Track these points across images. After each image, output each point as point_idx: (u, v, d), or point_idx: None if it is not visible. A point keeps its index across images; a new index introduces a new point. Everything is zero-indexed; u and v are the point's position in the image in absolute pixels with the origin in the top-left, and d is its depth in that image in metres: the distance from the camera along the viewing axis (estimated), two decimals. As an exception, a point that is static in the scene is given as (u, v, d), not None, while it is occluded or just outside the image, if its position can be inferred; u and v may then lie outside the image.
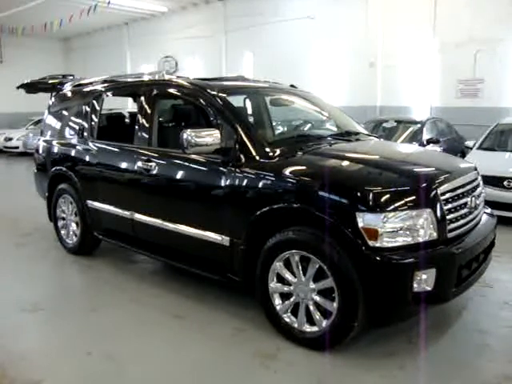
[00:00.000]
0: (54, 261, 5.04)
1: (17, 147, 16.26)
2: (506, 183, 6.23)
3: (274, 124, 5.09)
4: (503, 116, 9.08)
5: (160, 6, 16.62)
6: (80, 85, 5.30)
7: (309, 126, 5.24)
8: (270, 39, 14.43)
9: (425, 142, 8.22)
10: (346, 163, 3.25)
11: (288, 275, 3.10)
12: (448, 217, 2.94)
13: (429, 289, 2.76)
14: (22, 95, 6.50)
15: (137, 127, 4.22)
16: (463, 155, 8.00)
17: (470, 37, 10.57)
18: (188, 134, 3.25)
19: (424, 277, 2.74)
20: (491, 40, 10.34)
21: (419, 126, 8.76)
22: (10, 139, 16.44)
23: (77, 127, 5.01)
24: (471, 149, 7.70)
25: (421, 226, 2.78)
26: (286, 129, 6.26)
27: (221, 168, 3.42)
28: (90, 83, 5.15)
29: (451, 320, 3.54)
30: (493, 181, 6.18)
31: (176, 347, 3.19)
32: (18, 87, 5.99)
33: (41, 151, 5.56)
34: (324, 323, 2.97)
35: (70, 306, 3.91)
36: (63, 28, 15.87)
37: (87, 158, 4.70)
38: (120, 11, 16.73)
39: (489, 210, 3.80)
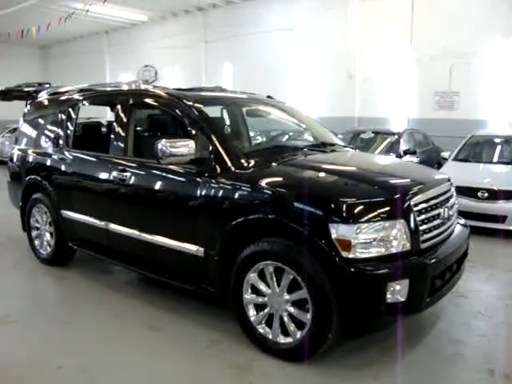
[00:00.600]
0: (27, 271, 4.94)
1: (-8, 155, 15.95)
2: (479, 194, 6.34)
3: (250, 135, 5.10)
4: (478, 128, 9.29)
5: (140, 15, 16.61)
6: (56, 93, 5.25)
7: (285, 136, 5.27)
8: (249, 50, 14.52)
9: (402, 153, 8.33)
10: (320, 174, 3.26)
11: (262, 286, 3.09)
12: (421, 228, 2.96)
13: (402, 299, 2.78)
14: (-4, 102, 6.40)
15: (112, 136, 4.19)
16: (439, 166, 8.12)
17: (445, 50, 10.80)
18: (163, 145, 3.24)
19: (397, 287, 2.76)
20: (466, 53, 10.58)
21: (396, 137, 8.87)
22: (-15, 147, 16.12)
23: (52, 136, 4.95)
24: (447, 160, 7.83)
25: (394, 237, 2.81)
26: (262, 139, 6.27)
27: (196, 178, 3.40)
28: (67, 92, 5.10)
29: (425, 330, 3.57)
30: (467, 191, 6.29)
31: (150, 359, 3.15)
32: (-9, 94, 5.90)
33: (15, 160, 5.47)
34: (298, 334, 2.96)
35: (42, 317, 3.83)
36: (42, 35, 15.71)
37: (62, 168, 4.64)
38: (100, 19, 16.68)
39: (462, 221, 3.85)
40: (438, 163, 8.94)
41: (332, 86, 12.91)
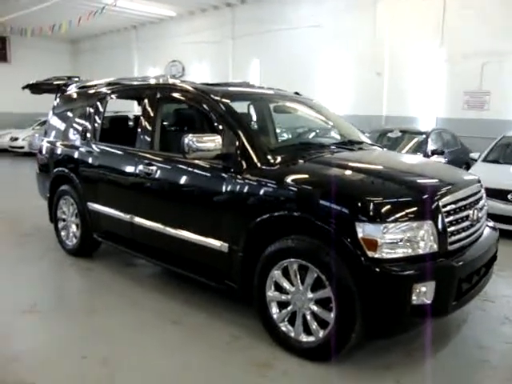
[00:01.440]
0: (53, 262, 5.03)
1: (22, 147, 16.33)
2: (509, 196, 6.18)
3: (277, 131, 5.07)
4: (509, 129, 9.05)
5: (168, 10, 16.69)
6: (85, 86, 5.31)
7: (312, 133, 5.21)
8: (277, 46, 14.46)
9: (429, 153, 8.20)
10: (347, 172, 3.22)
11: (286, 284, 3.07)
12: (449, 229, 2.90)
13: (428, 302, 2.72)
14: (29, 96, 6.51)
15: (139, 130, 4.21)
16: (468, 167, 7.96)
17: (477, 48, 10.53)
18: (189, 139, 3.24)
19: (423, 289, 2.71)
20: (498, 52, 10.30)
21: (424, 136, 8.73)
22: (16, 139, 16.52)
23: (80, 129, 5.01)
24: (476, 161, 7.66)
25: (421, 238, 2.75)
26: (289, 136, 6.24)
27: (222, 174, 3.40)
28: (95, 85, 5.15)
29: (450, 334, 3.50)
30: (497, 194, 6.13)
31: (171, 353, 3.16)
32: (23, 88, 6.01)
33: (44, 152, 5.56)
34: (321, 333, 2.93)
35: (67, 308, 3.89)
36: (71, 30, 15.94)
37: (89, 160, 4.69)
38: (128, 15, 16.82)
39: (491, 223, 3.75)
40: (466, 164, 8.77)
41: (360, 83, 12.77)
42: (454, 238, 2.93)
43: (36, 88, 5.93)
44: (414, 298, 2.69)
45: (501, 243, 3.65)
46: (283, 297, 3.10)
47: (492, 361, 3.14)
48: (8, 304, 3.92)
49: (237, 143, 3.38)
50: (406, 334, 3.27)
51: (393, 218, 2.72)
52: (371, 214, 2.70)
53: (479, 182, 3.59)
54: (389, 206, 2.75)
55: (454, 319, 3.61)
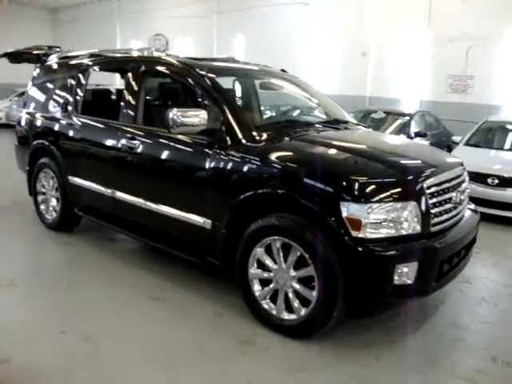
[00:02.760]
0: (32, 236, 4.95)
1: (-1, 118, 15.93)
2: (490, 180, 6.27)
3: (262, 108, 5.02)
4: (491, 113, 9.14)
5: (153, -19, 16.30)
6: (66, 57, 5.17)
7: (297, 111, 5.17)
8: (262, 23, 14.26)
9: (412, 135, 8.23)
10: (332, 151, 3.21)
11: (268, 261, 3.07)
12: (432, 211, 2.92)
13: (409, 282, 2.75)
14: (6, 65, 6.31)
15: (122, 104, 4.12)
16: (450, 150, 8.03)
17: (462, 32, 10.54)
18: (174, 114, 3.18)
19: (405, 270, 2.73)
20: (484, 37, 10.33)
21: (408, 118, 8.76)
22: (-7, 110, 16.08)
23: (61, 101, 4.89)
24: (458, 144, 7.74)
25: (405, 219, 2.76)
26: (274, 113, 6.18)
27: (206, 150, 3.35)
28: (77, 56, 5.01)
29: (429, 314, 3.56)
30: (477, 177, 6.21)
31: (153, 329, 3.15)
32: (0, 56, 5.81)
33: (23, 124, 5.41)
34: (303, 311, 2.95)
35: (46, 282, 3.84)
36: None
37: (70, 133, 4.59)
38: (111, -16, 16.39)
39: (472, 206, 3.80)
40: (448, 147, 8.85)
41: (345, 63, 12.71)
42: (436, 220, 2.96)
43: (15, 57, 5.73)
44: (395, 278, 2.72)
45: (480, 226, 3.70)
46: (265, 274, 3.11)
47: (467, 339, 3.21)
48: (-15, 277, 3.85)
49: (222, 119, 3.33)
50: (385, 313, 3.32)
51: (377, 198, 2.72)
52: (356, 193, 2.70)
53: (462, 164, 3.62)
54: (374, 186, 2.75)
55: (432, 299, 3.67)
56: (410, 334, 3.22)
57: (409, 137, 8.10)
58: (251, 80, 4.66)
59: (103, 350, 2.87)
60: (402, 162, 3.25)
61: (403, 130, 8.47)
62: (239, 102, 4.37)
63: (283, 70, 4.81)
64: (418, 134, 8.27)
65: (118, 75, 6.13)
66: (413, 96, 11.75)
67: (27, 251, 4.63)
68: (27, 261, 4.37)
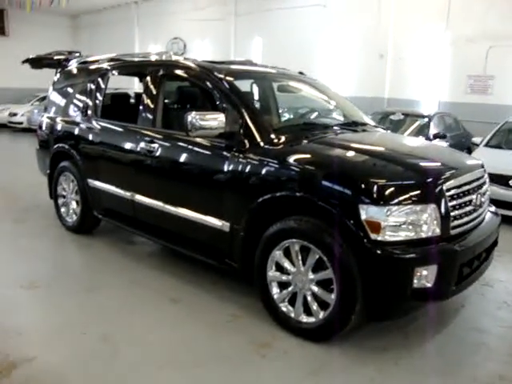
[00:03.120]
0: (52, 238, 5.02)
1: (21, 123, 16.22)
2: (511, 182, 6.17)
3: (280, 111, 5.02)
4: (512, 114, 8.99)
5: (170, -14, 16.42)
6: (86, 62, 5.24)
7: (315, 114, 5.16)
8: (280, 25, 14.27)
9: (431, 137, 8.15)
10: (351, 153, 3.19)
11: (287, 264, 3.07)
12: (452, 213, 2.89)
13: (429, 285, 2.73)
14: (27, 70, 6.43)
15: (141, 107, 4.16)
16: (469, 152, 7.93)
17: (483, 32, 10.40)
18: (192, 117, 3.20)
19: (425, 273, 2.71)
20: (504, 36, 10.17)
21: (426, 120, 8.67)
22: (15, 114, 16.40)
23: (81, 105, 4.96)
24: (478, 146, 7.63)
25: (424, 222, 2.74)
26: (292, 116, 6.18)
27: (224, 153, 3.37)
28: (97, 61, 5.09)
29: (449, 317, 3.51)
30: (498, 179, 6.11)
31: (171, 331, 3.17)
32: (23, 62, 5.92)
33: (44, 128, 5.50)
34: (321, 314, 2.94)
35: (67, 284, 3.89)
36: (71, 4, 15.72)
37: (90, 137, 4.65)
38: (130, -11, 16.56)
39: (493, 209, 3.75)
40: (468, 148, 8.73)
41: (362, 65, 12.64)
42: (456, 223, 2.93)
43: (36, 62, 5.84)
44: (415, 281, 2.69)
45: (501, 229, 3.64)
46: (284, 277, 3.11)
47: (489, 344, 3.16)
48: (8, 279, 3.92)
49: (240, 122, 3.34)
50: (405, 316, 3.29)
51: (396, 200, 2.70)
52: (375, 196, 2.69)
53: (483, 166, 3.57)
54: (393, 189, 2.74)
55: (452, 303, 3.63)
56: (430, 338, 3.19)
57: (428, 138, 8.02)
58: (269, 83, 4.67)
59: (122, 351, 2.90)
60: (421, 164, 3.22)
61: (422, 131, 8.38)
62: (257, 105, 4.38)
63: (301, 73, 4.81)
64: (437, 136, 8.18)
65: (136, 79, 6.17)
66: (431, 97, 11.63)
67: (48, 253, 4.70)
68: (48, 263, 4.43)
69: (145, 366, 2.77)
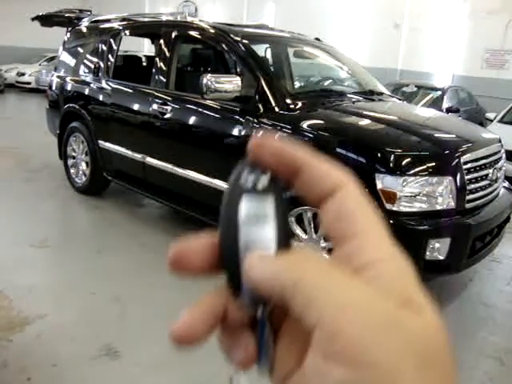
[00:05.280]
0: (62, 199, 5.03)
1: (29, 83, 16.05)
2: (524, 159, 6.08)
3: (295, 76, 4.93)
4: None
5: None
6: (98, 21, 5.13)
7: (332, 81, 5.05)
8: (294, -10, 13.95)
9: (444, 110, 8.04)
10: (367, 122, 3.14)
11: (299, 231, 3.06)
12: (468, 187, 2.86)
13: (441, 258, 2.72)
14: (35, 29, 6.32)
15: (154, 69, 4.09)
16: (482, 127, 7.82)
17: (503, 4, 10.13)
18: (208, 79, 3.15)
19: (437, 245, 2.69)
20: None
21: (440, 93, 8.55)
22: (23, 74, 16.22)
23: (92, 65, 4.88)
24: (492, 121, 7.52)
25: (440, 194, 2.71)
26: (307, 82, 6.08)
27: (238, 117, 3.32)
28: (108, 20, 4.98)
29: (457, 291, 3.52)
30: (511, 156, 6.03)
31: (181, 294, 3.17)
32: (32, 19, 5.82)
33: (54, 87, 5.44)
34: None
35: (76, 245, 3.91)
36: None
37: (101, 98, 4.59)
38: (141, -51, 16.14)
39: (507, 184, 3.71)
40: (480, 124, 8.60)
41: (377, 34, 12.40)
42: (471, 197, 2.90)
43: (46, 20, 5.73)
44: (427, 253, 2.68)
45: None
46: (296, 244, 3.09)
47: (496, 318, 3.17)
48: (19, 238, 3.93)
49: (256, 86, 3.28)
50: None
51: (413, 171, 2.67)
52: (391, 165, 2.65)
53: (500, 141, 3.51)
54: (410, 159, 2.70)
55: (460, 277, 3.62)
56: (439, 311, 3.19)
57: (441, 112, 7.91)
58: (285, 48, 4.57)
59: (131, 311, 2.93)
60: (439, 135, 3.17)
61: (435, 104, 8.27)
62: (273, 70, 4.30)
63: (317, 39, 4.70)
64: (450, 110, 8.07)
65: (146, 42, 6.08)
66: (445, 70, 11.44)
67: (57, 214, 4.71)
68: (57, 223, 4.45)
69: (154, 324, 2.78)
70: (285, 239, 0.30)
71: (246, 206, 0.30)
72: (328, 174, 0.30)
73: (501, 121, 7.38)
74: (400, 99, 4.41)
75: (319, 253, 2.98)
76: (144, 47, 10.51)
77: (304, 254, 0.28)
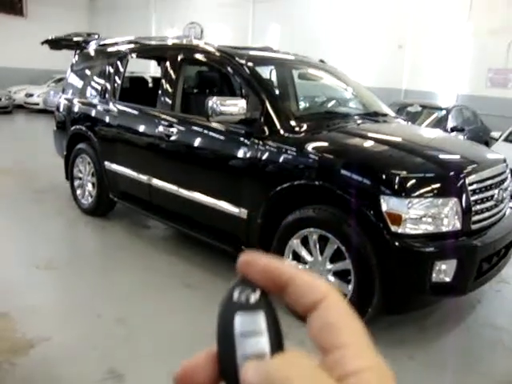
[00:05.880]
0: (68, 220, 5.05)
1: (37, 104, 16.25)
2: (530, 178, 6.06)
3: (300, 98, 4.98)
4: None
5: (189, -30, 16.28)
6: (105, 44, 5.22)
7: (336, 103, 5.10)
8: (298, 12, 14.12)
9: (449, 130, 8.05)
10: (372, 144, 3.16)
11: (304, 253, 3.05)
12: (473, 208, 2.85)
13: (448, 280, 2.70)
14: (44, 52, 6.43)
15: (160, 91, 4.14)
16: (487, 146, 7.82)
17: (505, 24, 10.21)
18: (213, 102, 3.18)
19: (444, 267, 2.68)
20: (527, 29, 10.00)
21: (444, 112, 8.57)
22: (31, 95, 16.43)
23: (99, 87, 4.94)
24: (497, 140, 7.52)
25: (445, 215, 2.70)
26: (312, 104, 6.13)
27: (243, 139, 3.34)
28: (116, 43, 5.06)
29: (465, 312, 3.48)
30: (517, 175, 6.01)
31: (186, 316, 3.18)
32: (42, 43, 5.92)
33: (61, 109, 5.51)
34: (337, 305, 2.92)
35: (82, 266, 3.91)
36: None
37: (108, 119, 4.64)
38: (148, -27, 16.44)
39: (513, 204, 3.69)
40: (485, 143, 8.61)
41: (381, 55, 12.50)
42: (477, 218, 2.88)
43: (55, 43, 5.83)
44: (434, 275, 2.66)
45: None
46: (301, 266, 3.09)
47: (505, 341, 3.12)
48: (24, 259, 3.94)
49: (261, 108, 3.31)
50: (421, 310, 3.26)
51: (418, 193, 2.67)
52: (397, 187, 2.65)
53: (505, 161, 3.51)
54: (414, 181, 2.70)
55: (468, 298, 3.58)
56: (446, 333, 3.16)
57: (445, 131, 7.93)
58: (289, 70, 4.62)
59: (137, 335, 2.91)
60: (444, 157, 3.17)
61: (440, 124, 8.28)
62: (278, 92, 4.34)
63: (321, 61, 4.75)
64: (454, 129, 8.08)
65: (152, 63, 6.15)
66: (450, 90, 11.48)
67: (63, 235, 4.73)
68: (63, 244, 4.46)
69: (160, 349, 2.78)
70: (277, 348, 0.33)
71: (239, 323, 0.33)
72: (311, 287, 0.33)
73: (506, 139, 7.38)
74: (404, 120, 4.43)
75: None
76: (150, 68, 10.62)
77: (295, 358, 0.31)
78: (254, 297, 0.34)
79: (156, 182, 4.09)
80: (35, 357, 2.59)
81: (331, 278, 2.94)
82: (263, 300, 0.34)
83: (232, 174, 3.44)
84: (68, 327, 2.95)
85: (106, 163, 4.67)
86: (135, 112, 4.40)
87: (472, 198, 2.85)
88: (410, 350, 2.92)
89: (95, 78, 5.10)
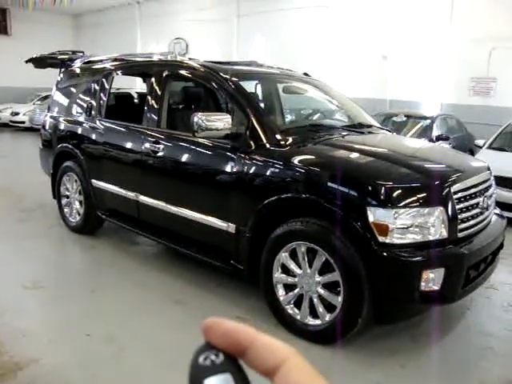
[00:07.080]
0: (56, 238, 5.01)
1: (23, 122, 16.16)
2: (515, 184, 6.15)
3: (285, 112, 5.01)
4: (515, 116, 8.96)
5: (173, -14, 16.40)
6: (90, 62, 5.23)
7: (321, 115, 5.14)
8: (283, 26, 14.24)
9: (434, 139, 8.14)
10: (358, 155, 3.18)
11: (293, 266, 3.05)
12: (459, 216, 2.88)
13: (436, 288, 2.72)
14: (29, 70, 6.42)
15: (146, 108, 4.15)
16: (472, 154, 7.91)
17: (486, 33, 10.37)
18: (199, 118, 3.19)
19: (432, 276, 2.70)
20: (508, 38, 10.14)
21: (429, 121, 8.65)
22: (17, 114, 16.34)
23: (85, 105, 4.94)
24: (481, 148, 7.62)
25: (432, 224, 2.73)
26: (297, 117, 6.17)
27: (230, 154, 3.35)
28: (100, 61, 5.07)
29: (455, 320, 3.50)
30: (502, 182, 6.08)
31: (177, 333, 3.16)
32: (26, 61, 5.91)
33: (47, 127, 5.49)
34: (327, 317, 2.93)
35: (70, 285, 3.87)
36: (74, 4, 15.70)
37: (94, 137, 4.64)
38: (132, -11, 16.53)
39: (498, 211, 3.74)
40: (470, 151, 8.71)
41: (365, 66, 12.63)
42: (463, 226, 2.92)
43: (40, 62, 5.83)
44: (422, 284, 2.68)
45: (506, 231, 3.63)
46: (290, 279, 3.09)
47: (496, 348, 3.14)
48: (12, 279, 3.90)
49: (246, 123, 3.33)
50: (411, 319, 3.28)
51: (404, 203, 2.69)
52: (383, 198, 2.68)
53: (489, 169, 3.56)
54: (400, 191, 2.73)
55: (458, 306, 3.60)
56: (436, 341, 3.17)
57: (430, 140, 8.01)
58: (274, 84, 4.66)
59: (127, 353, 2.89)
60: (429, 166, 3.21)
61: (425, 133, 8.36)
62: (263, 106, 4.37)
63: (306, 74, 4.80)
64: (439, 138, 8.16)
65: (138, 79, 6.17)
66: (434, 99, 11.61)
67: (51, 254, 4.68)
68: (51, 263, 4.42)
69: (151, 367, 2.76)
70: None
71: None
72: (271, 351, 0.33)
73: (489, 147, 7.47)
74: (389, 131, 4.48)
75: (314, 287, 2.97)
76: (136, 83, 10.63)
77: None
78: (219, 360, 0.35)
79: (144, 198, 4.08)
80: (23, 380, 2.55)
81: (321, 291, 2.94)
82: (230, 363, 0.35)
83: (219, 188, 3.44)
84: (57, 347, 2.92)
85: (93, 181, 4.66)
86: (121, 129, 4.40)
87: (458, 207, 2.88)
88: (402, 359, 2.92)
89: (81, 95, 5.10)
